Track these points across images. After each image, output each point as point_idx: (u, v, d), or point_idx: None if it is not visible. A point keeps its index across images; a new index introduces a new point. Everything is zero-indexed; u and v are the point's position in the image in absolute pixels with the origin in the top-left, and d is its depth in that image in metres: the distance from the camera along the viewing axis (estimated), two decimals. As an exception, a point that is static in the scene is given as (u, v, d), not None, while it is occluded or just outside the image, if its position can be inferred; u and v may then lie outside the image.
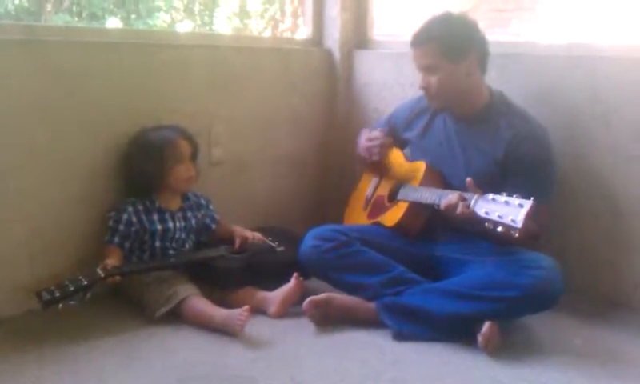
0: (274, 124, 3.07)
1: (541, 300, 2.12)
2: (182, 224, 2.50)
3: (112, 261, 2.27)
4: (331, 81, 3.27)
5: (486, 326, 2.08)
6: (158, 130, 2.49)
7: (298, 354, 2.08)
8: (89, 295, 2.11)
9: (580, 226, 2.57)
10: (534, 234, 2.17)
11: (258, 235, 2.64)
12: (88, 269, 2.17)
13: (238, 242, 2.56)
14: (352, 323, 2.27)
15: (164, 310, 2.24)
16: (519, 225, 1.85)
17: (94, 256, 2.33)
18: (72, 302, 2.07)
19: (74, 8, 6.43)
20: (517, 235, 1.87)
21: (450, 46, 2.30)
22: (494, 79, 2.44)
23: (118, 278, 2.20)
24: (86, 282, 2.09)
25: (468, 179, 2.08)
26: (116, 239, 2.38)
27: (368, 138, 2.62)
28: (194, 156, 2.54)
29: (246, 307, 2.16)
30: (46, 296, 2.03)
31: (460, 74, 2.32)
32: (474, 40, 2.35)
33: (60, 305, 2.04)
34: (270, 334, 2.20)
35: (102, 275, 2.15)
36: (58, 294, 2.04)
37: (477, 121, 2.38)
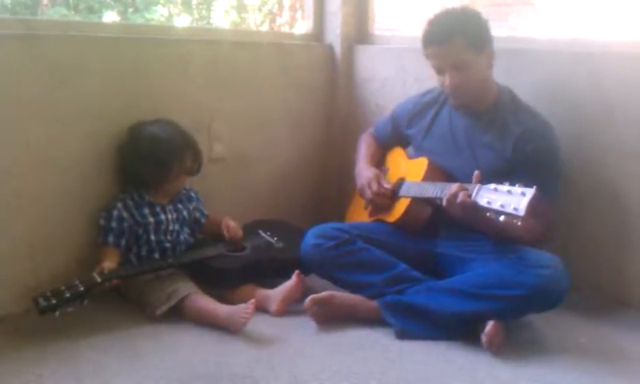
0: (275, 120, 3.05)
1: (545, 299, 2.10)
2: (174, 216, 2.47)
3: (109, 263, 2.24)
4: (332, 76, 3.24)
5: (490, 324, 2.06)
6: (167, 132, 2.42)
7: (300, 353, 2.06)
8: (86, 302, 2.08)
9: (584, 223, 2.55)
10: (540, 231, 2.14)
11: (236, 230, 2.58)
12: (85, 272, 2.14)
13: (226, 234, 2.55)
14: (354, 321, 2.25)
15: (165, 307, 2.22)
16: (522, 213, 1.80)
17: (94, 254, 2.31)
18: (69, 309, 2.04)
19: (71, 1, 6.39)
20: (519, 224, 1.82)
21: (474, 35, 2.24)
22: (499, 75, 2.41)
23: (115, 281, 2.18)
24: (82, 288, 2.06)
25: (476, 172, 2.02)
26: (110, 238, 2.34)
27: (377, 182, 2.49)
28: (195, 170, 2.52)
29: (252, 301, 2.14)
30: (42, 303, 2.00)
31: (484, 65, 2.28)
32: (489, 29, 2.30)
33: (57, 313, 2.02)
34: (271, 332, 2.18)
35: (99, 280, 2.11)
36: (54, 301, 2.00)
37: (484, 116, 2.35)
